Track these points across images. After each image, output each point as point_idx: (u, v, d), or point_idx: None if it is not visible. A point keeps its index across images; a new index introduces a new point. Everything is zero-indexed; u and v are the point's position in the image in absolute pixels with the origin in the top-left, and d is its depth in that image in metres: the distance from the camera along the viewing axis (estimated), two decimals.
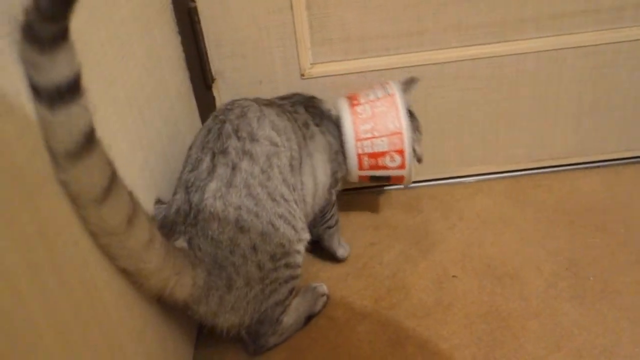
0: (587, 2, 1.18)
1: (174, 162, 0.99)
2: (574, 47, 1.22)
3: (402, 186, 1.25)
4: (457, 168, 1.35)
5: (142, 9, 0.94)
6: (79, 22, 0.61)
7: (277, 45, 1.19)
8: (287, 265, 0.91)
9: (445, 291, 1.06)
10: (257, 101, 0.99)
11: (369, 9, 1.17)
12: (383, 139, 1.06)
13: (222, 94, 1.24)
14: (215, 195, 0.84)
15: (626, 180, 1.30)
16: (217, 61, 1.20)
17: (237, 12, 1.16)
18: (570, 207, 1.23)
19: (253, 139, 0.90)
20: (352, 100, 1.12)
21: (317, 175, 1.03)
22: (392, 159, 1.07)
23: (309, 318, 1.03)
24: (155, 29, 1.00)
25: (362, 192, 1.36)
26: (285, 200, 0.91)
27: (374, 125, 1.07)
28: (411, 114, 1.11)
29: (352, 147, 1.08)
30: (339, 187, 1.13)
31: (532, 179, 1.35)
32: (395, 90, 1.09)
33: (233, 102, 0.98)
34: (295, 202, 0.94)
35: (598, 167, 1.35)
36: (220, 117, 0.93)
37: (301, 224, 0.94)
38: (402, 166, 1.08)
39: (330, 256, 1.16)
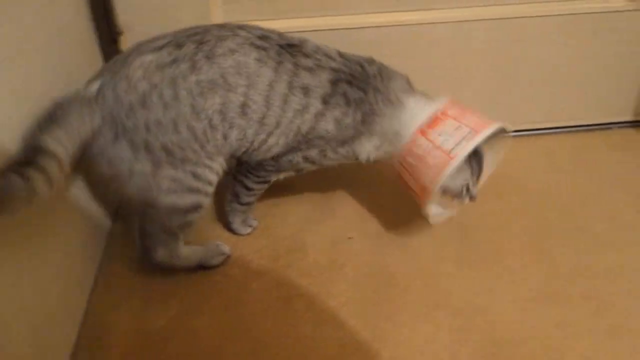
0: None
1: None
2: (483, 19, 1.26)
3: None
4: None
5: None
6: None
7: (188, 2, 1.17)
8: (194, 174, 0.93)
9: (340, 252, 1.09)
10: (258, 39, 0.95)
11: None
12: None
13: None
14: (143, 64, 0.88)
15: (524, 151, 1.36)
16: (124, 14, 1.17)
17: None
18: None
19: (209, 57, 0.91)
20: (453, 109, 1.01)
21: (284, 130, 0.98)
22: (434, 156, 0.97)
23: (202, 267, 1.05)
24: None
25: None
26: (211, 126, 0.92)
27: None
28: (475, 153, 1.01)
29: (415, 123, 0.98)
30: (290, 172, 1.07)
31: None
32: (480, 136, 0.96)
33: (240, 25, 0.97)
34: (224, 137, 0.94)
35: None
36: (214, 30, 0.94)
37: (216, 153, 0.95)
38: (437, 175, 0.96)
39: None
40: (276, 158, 1.02)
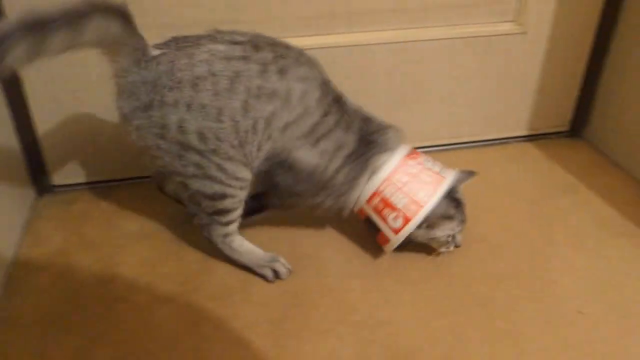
0: (395, 2, 1.28)
1: None
2: (382, 43, 1.32)
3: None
4: None
5: None
6: None
7: None
8: (219, 167, 0.96)
9: (249, 274, 1.10)
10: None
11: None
12: (405, 198, 1.04)
13: (29, 73, 1.19)
14: (211, 51, 0.91)
15: None
16: None
17: None
18: None
19: (281, 73, 0.96)
20: (412, 152, 1.10)
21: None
22: (395, 220, 1.05)
23: (249, 269, 1.10)
24: None
25: None
26: (254, 130, 0.96)
27: (409, 182, 1.05)
28: (459, 203, 1.09)
29: (375, 182, 1.06)
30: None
31: None
32: (449, 176, 1.08)
33: (315, 60, 1.03)
34: (258, 147, 0.98)
35: None
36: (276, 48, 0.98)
37: (249, 159, 0.99)
38: (397, 231, 1.06)
39: (145, 237, 1.18)
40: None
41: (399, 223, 1.05)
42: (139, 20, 1.08)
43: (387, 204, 1.05)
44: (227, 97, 0.92)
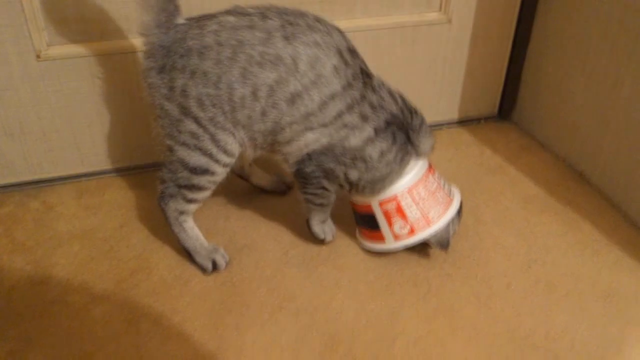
0: None
1: None
2: None
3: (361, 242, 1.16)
4: None
5: None
6: None
7: (5, 24, 1.12)
8: (213, 138, 0.98)
9: (185, 268, 1.10)
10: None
11: None
12: (418, 213, 1.05)
13: None
14: (221, 22, 0.95)
15: None
16: None
17: None
18: None
19: (288, 39, 0.94)
20: (430, 166, 1.10)
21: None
22: (402, 229, 1.07)
23: (191, 259, 1.10)
24: None
25: (111, 175, 1.36)
26: (255, 96, 0.95)
27: (427, 199, 1.06)
28: (458, 212, 1.11)
29: (400, 186, 1.05)
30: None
31: None
32: (456, 198, 1.10)
33: (338, 28, 1.00)
34: (262, 112, 0.97)
35: None
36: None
37: (245, 124, 0.99)
38: (397, 238, 1.08)
39: (77, 237, 1.15)
40: (319, 162, 1.02)
41: (404, 232, 1.07)
42: (59, 15, 1.07)
43: (400, 212, 1.06)
44: (227, 65, 0.94)
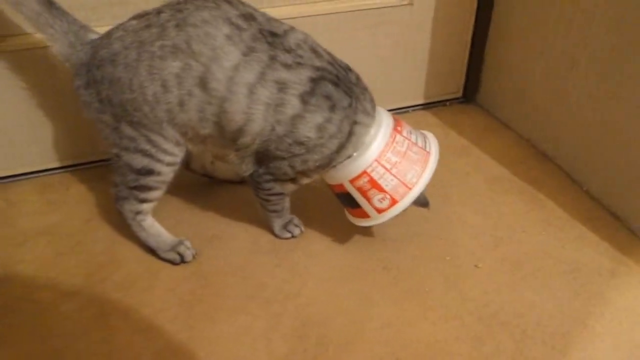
0: None
1: None
2: None
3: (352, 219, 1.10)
4: None
5: None
6: None
7: None
8: (148, 139, 0.99)
9: (153, 260, 1.10)
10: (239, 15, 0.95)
11: None
12: (394, 180, 0.99)
13: None
14: (125, 27, 0.97)
15: None
16: None
17: None
18: None
19: (179, 25, 0.93)
20: (397, 124, 1.03)
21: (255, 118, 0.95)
22: (382, 201, 1.00)
23: (156, 255, 1.10)
24: None
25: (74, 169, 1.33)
26: (165, 88, 0.94)
27: (400, 162, 0.99)
28: None
29: (365, 159, 0.99)
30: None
31: None
32: (433, 150, 1.04)
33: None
34: (180, 103, 0.95)
35: None
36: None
37: (168, 120, 0.97)
38: (380, 211, 1.01)
39: (42, 234, 1.14)
40: (263, 161, 1.01)
41: (385, 204, 1.01)
42: None
43: (375, 185, 0.99)
44: (135, 67, 0.95)
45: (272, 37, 0.94)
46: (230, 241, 1.14)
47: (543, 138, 1.40)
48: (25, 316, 0.98)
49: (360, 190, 1.01)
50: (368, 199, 1.01)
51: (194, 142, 1.02)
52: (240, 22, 0.94)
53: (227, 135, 0.98)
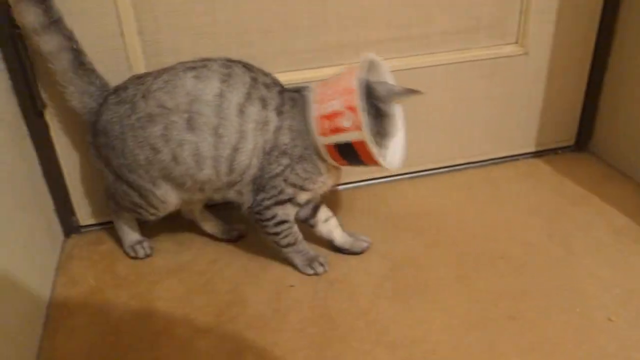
0: (400, 31, 1.33)
1: None
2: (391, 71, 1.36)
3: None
4: None
5: None
6: None
7: (110, 70, 1.20)
8: (140, 194, 1.13)
9: (283, 300, 1.13)
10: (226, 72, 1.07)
11: (199, 36, 1.23)
12: (337, 97, 1.03)
13: (55, 121, 1.23)
14: (107, 102, 1.10)
15: (443, 187, 1.48)
16: (48, 87, 1.19)
17: None
18: (397, 214, 1.37)
19: (145, 96, 1.06)
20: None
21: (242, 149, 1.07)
22: (347, 118, 1.02)
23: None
24: None
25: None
26: (155, 150, 1.06)
27: (331, 87, 1.06)
28: (382, 113, 1.07)
29: (311, 110, 1.06)
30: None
31: (368, 190, 1.48)
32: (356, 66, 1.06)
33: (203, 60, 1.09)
34: (173, 158, 1.07)
35: (421, 176, 1.51)
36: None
37: (162, 177, 1.10)
38: (357, 126, 1.01)
39: (175, 272, 1.21)
40: (260, 186, 1.10)
41: (351, 118, 1.01)
42: (159, 60, 1.14)
43: (332, 116, 1.04)
44: (122, 139, 1.08)
45: (246, 65, 1.08)
46: (353, 286, 1.16)
47: None
48: (166, 350, 1.03)
49: (333, 131, 1.04)
50: (344, 130, 1.03)
51: (192, 192, 1.12)
52: (198, 64, 1.06)
53: (223, 166, 1.07)
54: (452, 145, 1.52)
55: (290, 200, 1.12)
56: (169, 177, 1.09)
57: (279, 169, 1.09)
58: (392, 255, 1.23)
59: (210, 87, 1.03)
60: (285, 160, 1.09)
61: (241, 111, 1.05)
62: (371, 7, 1.29)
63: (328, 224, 1.24)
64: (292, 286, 1.17)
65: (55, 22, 1.05)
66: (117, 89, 1.10)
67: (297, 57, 1.28)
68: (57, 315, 1.12)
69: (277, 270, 1.21)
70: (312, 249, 1.22)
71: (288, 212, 1.14)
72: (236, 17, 1.23)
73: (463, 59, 1.41)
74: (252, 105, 1.05)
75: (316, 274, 1.19)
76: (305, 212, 1.20)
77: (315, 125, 1.06)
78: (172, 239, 1.32)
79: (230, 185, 1.11)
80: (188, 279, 1.20)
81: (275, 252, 1.21)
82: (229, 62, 1.07)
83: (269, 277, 1.19)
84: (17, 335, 0.98)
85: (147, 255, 1.26)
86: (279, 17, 1.26)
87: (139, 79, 1.09)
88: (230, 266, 1.23)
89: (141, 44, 1.21)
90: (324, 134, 1.06)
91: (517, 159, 1.60)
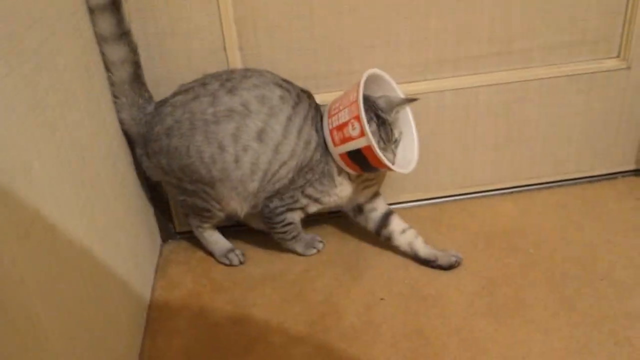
0: (500, 46, 1.32)
1: (114, 200, 1.04)
2: (487, 85, 1.35)
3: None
4: (387, 197, 1.43)
5: (83, 57, 0.99)
6: (25, 70, 0.67)
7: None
8: (201, 197, 1.17)
9: (374, 314, 1.13)
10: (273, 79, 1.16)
11: (298, 51, 1.26)
12: (345, 110, 1.12)
13: None
14: (173, 103, 1.13)
15: (537, 204, 1.43)
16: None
17: (174, 54, 1.22)
18: (489, 230, 1.35)
19: (231, 91, 1.10)
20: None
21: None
22: (353, 127, 1.09)
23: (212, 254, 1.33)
24: (95, 76, 1.05)
25: None
26: (221, 148, 1.10)
27: (341, 101, 1.14)
28: (383, 121, 1.15)
29: (326, 124, 1.15)
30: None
31: (456, 205, 1.46)
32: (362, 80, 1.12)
33: (265, 70, 1.18)
34: (235, 159, 1.11)
35: (513, 192, 1.48)
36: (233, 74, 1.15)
37: (224, 178, 1.14)
38: (361, 134, 1.08)
39: (268, 280, 1.24)
40: (278, 194, 1.17)
41: (357, 127, 1.09)
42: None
43: (341, 127, 1.12)
44: (189, 136, 1.10)
45: (305, 92, 1.18)
46: (446, 302, 1.15)
47: None
48: (261, 356, 1.06)
49: (342, 141, 1.12)
50: (351, 139, 1.10)
51: (237, 202, 1.18)
52: (285, 84, 1.14)
53: (266, 179, 1.14)
54: (545, 161, 1.48)
55: (301, 209, 1.22)
56: (227, 180, 1.13)
57: (301, 182, 1.17)
58: (485, 273, 1.21)
59: (285, 110, 1.12)
60: (310, 175, 1.17)
61: (299, 131, 1.13)
62: (474, 22, 1.29)
63: (406, 236, 1.24)
64: (382, 299, 1.17)
65: (125, 34, 1.09)
66: (190, 87, 1.13)
67: (396, 71, 1.29)
68: (157, 316, 1.17)
69: (367, 282, 1.22)
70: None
71: (295, 216, 1.23)
72: (335, 33, 1.26)
73: (560, 73, 1.37)
74: (307, 125, 1.14)
75: (318, 251, 1.30)
76: (373, 224, 1.25)
77: (329, 137, 1.14)
78: (262, 249, 1.35)
79: (255, 195, 1.17)
80: (281, 288, 1.22)
81: (363, 264, 1.25)
82: (302, 92, 1.18)
83: (360, 289, 1.20)
84: (125, 334, 1.03)
85: (241, 263, 1.29)
86: (380, 33, 1.27)
87: (220, 75, 1.14)
88: (322, 277, 1.25)
89: (241, 58, 1.25)
90: (337, 145, 1.14)
91: (616, 177, 1.53)
